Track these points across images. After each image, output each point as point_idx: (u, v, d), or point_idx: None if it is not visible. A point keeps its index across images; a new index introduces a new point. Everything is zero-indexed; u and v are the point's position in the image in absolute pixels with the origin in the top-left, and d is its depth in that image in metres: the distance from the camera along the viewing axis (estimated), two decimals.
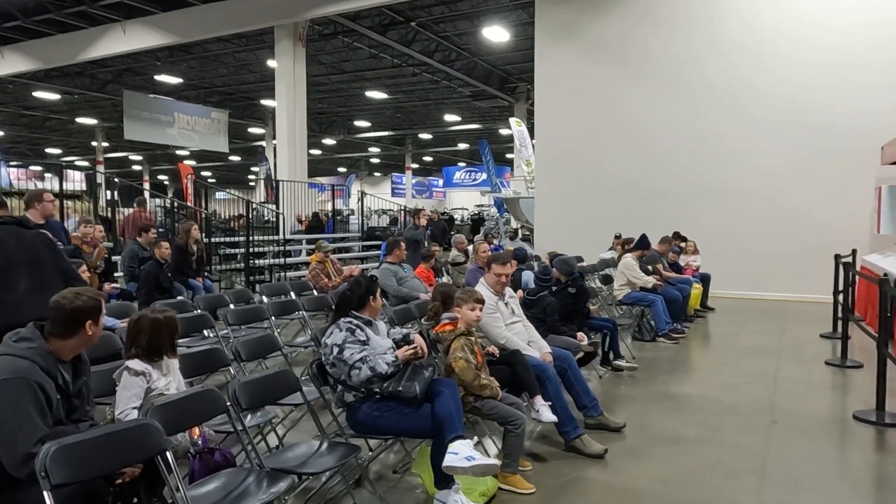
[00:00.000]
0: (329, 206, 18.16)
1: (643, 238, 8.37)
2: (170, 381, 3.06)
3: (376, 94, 24.22)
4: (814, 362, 6.57)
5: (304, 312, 6.20)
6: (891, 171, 9.84)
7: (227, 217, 17.63)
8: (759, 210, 11.31)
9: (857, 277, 8.31)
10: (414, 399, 3.30)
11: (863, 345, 6.80)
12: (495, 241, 13.86)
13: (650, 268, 8.67)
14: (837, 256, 7.97)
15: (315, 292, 7.24)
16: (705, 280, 9.75)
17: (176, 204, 12.73)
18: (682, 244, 10.08)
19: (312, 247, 9.14)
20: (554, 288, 5.84)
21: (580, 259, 9.51)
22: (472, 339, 3.89)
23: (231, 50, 19.36)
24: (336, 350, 3.35)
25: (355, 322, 3.46)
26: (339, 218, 18.34)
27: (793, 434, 4.55)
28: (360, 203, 17.09)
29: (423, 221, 10.67)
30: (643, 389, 5.69)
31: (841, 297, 7.41)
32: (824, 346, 7.36)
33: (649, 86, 12.35)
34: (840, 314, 7.11)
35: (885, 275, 7.51)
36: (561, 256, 6.87)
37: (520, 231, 18.83)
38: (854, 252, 8.80)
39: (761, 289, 11.04)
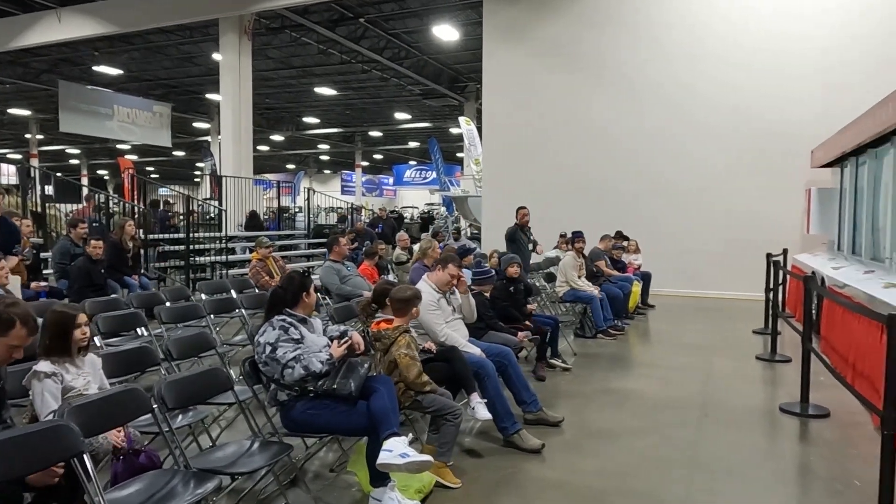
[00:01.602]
0: (276, 204, 17.84)
1: (577, 233, 8.51)
2: (88, 380, 2.94)
3: (325, 91, 23.95)
4: (746, 357, 6.80)
5: (244, 310, 6.06)
6: (820, 174, 10.28)
7: (170, 213, 17.11)
8: (698, 210, 11.66)
9: (787, 276, 8.64)
10: (349, 397, 3.27)
11: (793, 340, 7.06)
12: (444, 241, 13.87)
13: (594, 267, 8.84)
14: (769, 255, 8.27)
15: (256, 290, 7.10)
16: (646, 278, 9.99)
17: (115, 199, 12.28)
18: (625, 243, 10.30)
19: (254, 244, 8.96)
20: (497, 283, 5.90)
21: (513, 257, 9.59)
22: (415, 335, 3.90)
23: (174, 42, 18.81)
24: (269, 349, 3.28)
25: (289, 320, 3.40)
26: (285, 215, 18.06)
27: (723, 426, 4.70)
28: (307, 201, 16.85)
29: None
30: (583, 385, 5.79)
31: (772, 295, 7.69)
32: (756, 341, 7.63)
33: (595, 86, 12.58)
34: (771, 311, 7.38)
35: (813, 273, 7.85)
36: (505, 255, 6.95)
37: (468, 230, 18.92)
38: (785, 251, 9.15)
39: (699, 287, 11.38)
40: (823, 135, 9.02)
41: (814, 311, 7.40)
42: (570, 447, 4.24)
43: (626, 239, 10.46)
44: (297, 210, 22.48)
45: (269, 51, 19.60)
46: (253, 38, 15.97)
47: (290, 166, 47.28)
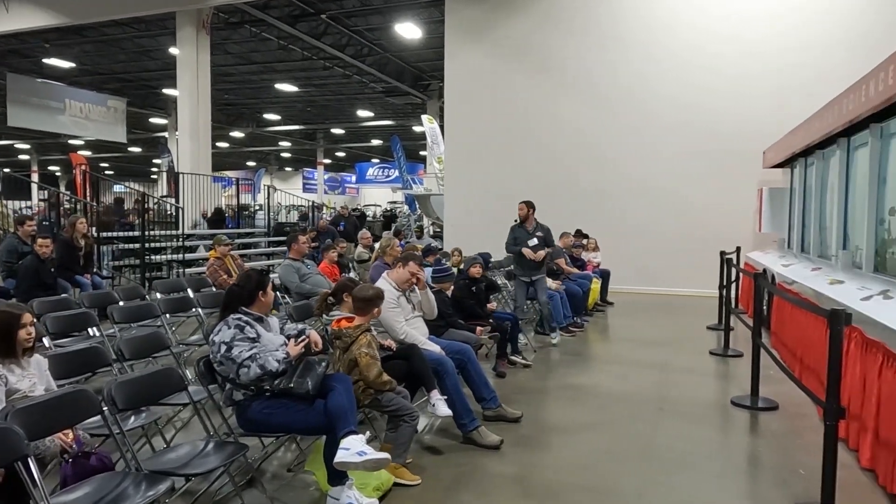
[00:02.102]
0: (235, 201, 17.56)
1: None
2: (34, 382, 2.86)
3: (286, 87, 23.66)
4: (699, 353, 6.98)
5: (200, 310, 5.96)
6: (771, 174, 10.59)
7: (125, 210, 16.69)
8: (656, 209, 11.89)
9: (740, 273, 8.88)
10: (306, 395, 3.24)
11: (745, 335, 7.25)
12: (405, 239, 13.87)
13: (554, 265, 8.94)
14: (723, 253, 8.48)
15: (213, 289, 6.99)
16: (605, 276, 10.15)
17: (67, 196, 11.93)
18: (584, 241, 10.45)
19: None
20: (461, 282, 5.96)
21: (487, 255, 9.65)
22: (375, 334, 3.89)
23: (130, 35, 18.34)
24: (224, 348, 3.23)
25: (245, 318, 3.36)
26: (245, 213, 17.78)
27: (677, 420, 4.81)
28: (267, 198, 16.61)
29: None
30: (542, 381, 5.86)
31: (725, 292, 7.89)
32: (710, 337, 7.82)
33: (556, 86, 12.73)
34: (724, 308, 7.57)
35: (764, 270, 8.09)
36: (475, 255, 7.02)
37: (431, 228, 18.93)
38: (738, 249, 9.40)
39: (657, 284, 11.61)
40: (776, 136, 9.29)
41: (764, 308, 7.63)
42: (529, 442, 4.29)
43: (586, 237, 10.61)
44: (257, 208, 22.16)
45: (229, 45, 19.28)
46: (211, 33, 15.69)
47: (251, 163, 46.58)
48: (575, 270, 9.27)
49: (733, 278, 8.29)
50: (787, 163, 9.17)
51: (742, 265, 9.57)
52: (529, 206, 7.43)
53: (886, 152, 5.29)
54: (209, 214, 15.53)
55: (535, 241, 7.22)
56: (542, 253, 7.21)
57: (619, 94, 12.21)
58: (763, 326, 6.78)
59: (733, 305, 8.61)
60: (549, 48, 12.72)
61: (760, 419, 4.83)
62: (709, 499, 3.49)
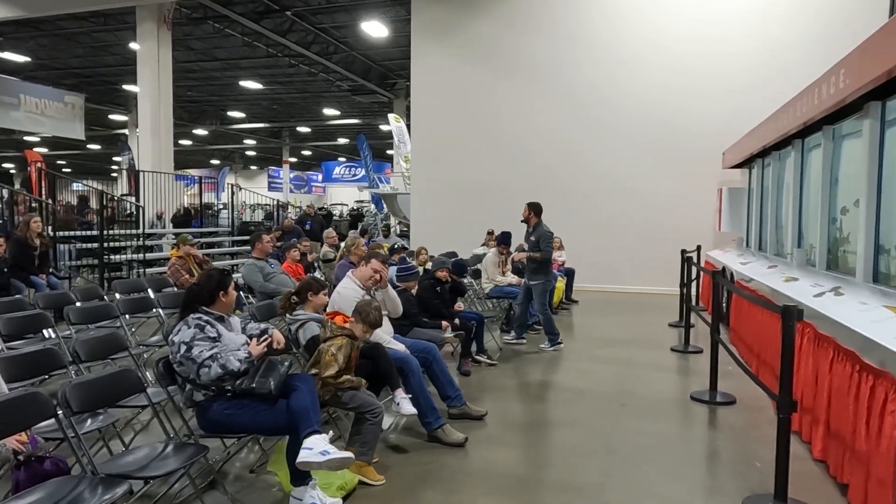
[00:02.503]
0: (198, 200, 17.26)
1: (504, 234, 8.62)
2: None
3: (251, 84, 23.35)
4: (661, 349, 7.11)
5: (161, 310, 5.86)
6: (730, 175, 10.84)
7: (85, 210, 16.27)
8: (619, 209, 12.07)
9: (700, 271, 9.07)
10: (268, 395, 3.21)
11: (705, 332, 7.39)
12: (372, 238, 13.81)
13: (520, 264, 8.99)
14: (683, 252, 8.65)
15: (175, 289, 6.87)
16: (570, 274, 10.27)
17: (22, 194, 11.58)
18: None
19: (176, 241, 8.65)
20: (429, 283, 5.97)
21: (454, 255, 9.68)
22: (356, 344, 3.82)
23: (88, 29, 17.88)
24: (184, 348, 3.18)
25: (205, 318, 3.31)
26: (209, 212, 17.50)
27: (639, 415, 4.90)
28: (232, 197, 16.38)
29: None
30: (507, 379, 5.90)
31: (686, 290, 8.05)
32: (671, 334, 7.97)
33: (521, 85, 12.82)
34: (685, 305, 7.73)
35: (723, 268, 8.28)
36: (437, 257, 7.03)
37: (398, 227, 18.89)
38: (698, 248, 9.60)
39: (620, 282, 11.79)
40: (735, 137, 9.51)
41: (723, 305, 7.81)
42: (493, 440, 4.32)
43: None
44: (221, 207, 21.83)
45: (191, 41, 18.95)
46: (173, 28, 15.39)
47: (215, 162, 45.85)
48: None
49: (694, 276, 8.47)
50: (746, 163, 9.40)
51: (702, 263, 9.77)
52: (530, 208, 7.32)
53: (838, 154, 5.46)
54: (169, 214, 15.20)
55: (525, 246, 7.37)
56: (518, 255, 7.48)
57: (585, 93, 12.36)
58: (722, 323, 6.94)
59: (694, 303, 8.78)
60: (514, 47, 12.81)
61: (718, 413, 4.95)
62: (668, 491, 3.56)
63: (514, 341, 7.35)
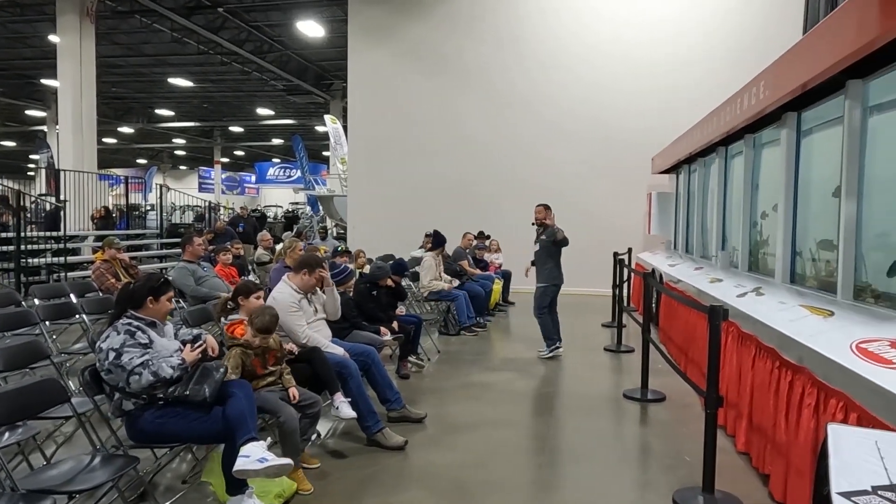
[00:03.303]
0: (124, 201, 16.59)
1: (437, 235, 8.64)
2: None
3: (181, 82, 22.56)
4: (595, 349, 7.30)
5: (85, 316, 5.59)
6: (659, 180, 11.25)
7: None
8: (555, 211, 12.28)
9: (631, 273, 9.37)
10: (203, 403, 3.12)
11: (636, 332, 7.65)
12: (308, 240, 13.59)
13: (457, 266, 9.07)
14: (615, 254, 8.91)
15: (100, 293, 6.57)
16: (507, 276, 10.41)
17: None
18: (486, 242, 10.66)
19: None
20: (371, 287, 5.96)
21: (391, 257, 9.65)
22: (250, 352, 3.68)
23: (3, 19, 16.88)
24: (112, 355, 3.05)
25: (136, 324, 3.18)
26: (135, 213, 16.85)
27: (573, 413, 5.02)
28: (160, 198, 15.80)
29: None
30: (445, 381, 5.93)
31: (618, 291, 8.30)
32: (605, 334, 8.20)
33: (458, 89, 12.92)
34: (617, 306, 7.97)
35: (653, 270, 8.58)
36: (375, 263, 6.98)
37: (334, 230, 18.67)
38: (630, 250, 9.91)
39: None
40: (664, 143, 9.86)
41: (653, 305, 8.09)
42: (432, 442, 4.34)
43: (488, 238, 10.83)
44: (148, 208, 21.01)
45: (117, 35, 18.18)
46: (96, 21, 14.72)
47: (142, 161, 44.14)
48: (477, 271, 9.45)
49: (625, 278, 8.73)
50: (673, 169, 9.78)
51: (633, 265, 10.09)
52: (546, 208, 6.94)
53: (759, 161, 5.76)
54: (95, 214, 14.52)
55: (536, 247, 6.92)
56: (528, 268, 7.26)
57: (519, 99, 12.57)
58: (652, 323, 7.20)
59: (626, 304, 9.06)
60: (451, 52, 12.91)
61: (650, 410, 5.12)
62: (602, 487, 3.66)
63: (549, 354, 6.85)
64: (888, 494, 1.61)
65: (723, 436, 4.33)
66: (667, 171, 10.27)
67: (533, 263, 6.98)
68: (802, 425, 3.08)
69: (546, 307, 6.85)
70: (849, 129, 3.73)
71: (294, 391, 3.67)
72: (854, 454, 1.83)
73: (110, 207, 15.89)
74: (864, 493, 1.63)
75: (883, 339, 2.80)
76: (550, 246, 6.70)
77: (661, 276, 8.09)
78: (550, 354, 6.83)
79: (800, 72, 3.97)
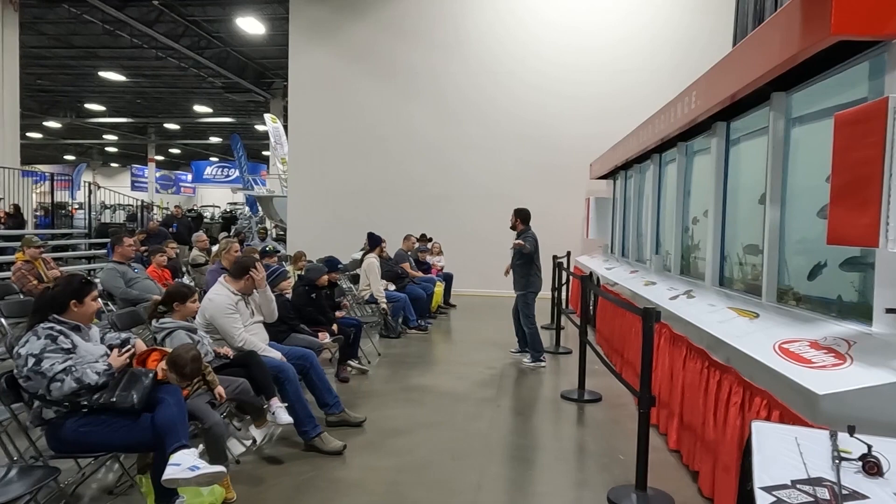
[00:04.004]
0: (49, 199, 15.81)
1: (371, 236, 8.60)
2: None
3: (112, 76, 21.68)
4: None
5: (4, 319, 5.30)
6: (597, 185, 11.52)
7: None
8: (496, 215, 12.38)
9: (570, 276, 9.55)
10: (131, 409, 3.00)
11: (574, 334, 7.80)
12: (247, 241, 13.30)
13: (399, 269, 9.03)
14: (555, 258, 9.06)
15: (21, 296, 6.24)
16: (448, 279, 10.44)
17: None
18: (428, 244, 10.67)
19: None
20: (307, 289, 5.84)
21: (336, 260, 9.53)
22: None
23: None
24: (32, 361, 2.89)
25: (58, 328, 3.03)
26: (62, 212, 16.09)
27: (512, 414, 5.07)
28: (89, 196, 15.15)
29: None
30: (385, 384, 5.90)
31: (557, 294, 8.43)
32: (544, 336, 8.27)
33: (401, 90, 12.90)
34: (556, 308, 8.10)
35: (591, 273, 8.76)
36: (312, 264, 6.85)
37: (274, 231, 18.33)
38: (568, 254, 10.11)
39: (497, 287, 12.08)
40: (602, 149, 10.11)
41: (591, 308, 8.27)
42: (371, 446, 4.30)
43: (430, 240, 10.84)
44: (76, 206, 20.12)
45: (43, 25, 17.33)
46: (21, 9, 14.01)
47: (70, 157, 42.22)
48: (419, 274, 9.45)
49: (564, 281, 8.89)
50: (611, 175, 10.03)
51: (572, 269, 10.30)
52: (517, 214, 6.77)
53: (690, 168, 5.97)
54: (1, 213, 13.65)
55: (510, 254, 6.79)
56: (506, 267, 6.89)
57: (460, 103, 12.64)
58: (589, 325, 7.35)
59: (564, 306, 9.23)
60: (392, 53, 12.88)
61: (586, 410, 5.23)
62: (540, 487, 3.71)
63: (533, 365, 6.60)
64: (806, 488, 1.68)
65: (655, 434, 4.46)
66: (605, 177, 10.53)
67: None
68: (729, 423, 3.20)
69: (533, 316, 6.68)
70: (773, 139, 3.91)
71: (220, 390, 3.57)
72: (775, 450, 1.91)
73: (35, 206, 15.10)
74: (784, 486, 1.70)
75: (803, 340, 2.94)
76: (519, 252, 6.59)
77: (598, 279, 8.28)
78: (533, 366, 6.58)
79: (729, 83, 4.14)
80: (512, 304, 6.94)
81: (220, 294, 4.36)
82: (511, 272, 6.80)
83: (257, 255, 7.00)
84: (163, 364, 3.27)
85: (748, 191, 4.53)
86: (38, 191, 18.80)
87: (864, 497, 1.64)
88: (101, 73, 21.51)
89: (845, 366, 2.49)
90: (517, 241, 6.56)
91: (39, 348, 2.93)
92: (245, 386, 3.81)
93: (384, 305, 7.91)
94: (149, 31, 16.63)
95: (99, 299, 3.23)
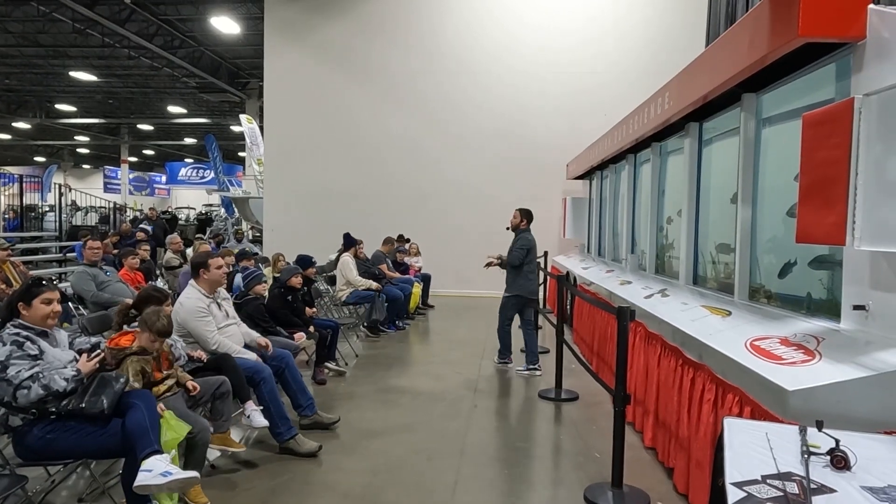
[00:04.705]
0: (18, 201, 15.49)
1: (347, 237, 8.56)
2: None
3: (82, 75, 21.26)
4: (512, 351, 7.39)
5: None
6: (574, 185, 11.60)
7: None
8: (471, 216, 12.45)
9: (547, 276, 9.60)
10: (100, 415, 2.94)
11: (552, 333, 7.84)
12: (224, 243, 13.14)
13: (377, 270, 8.99)
14: None
15: None
16: (426, 279, 10.43)
17: None
18: (406, 245, 10.65)
19: None
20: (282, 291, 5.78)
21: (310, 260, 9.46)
22: (148, 357, 3.47)
23: None
24: None
25: (24, 333, 2.96)
26: (31, 215, 15.78)
27: (489, 414, 5.08)
28: (59, 198, 14.86)
29: None
30: (361, 385, 5.86)
31: None
32: (521, 336, 8.33)
33: (374, 94, 12.87)
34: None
35: (567, 273, 8.81)
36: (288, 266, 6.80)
37: (250, 233, 18.16)
38: (546, 254, 10.15)
39: (474, 287, 12.14)
40: (578, 150, 10.17)
41: (567, 307, 8.31)
42: (347, 447, 4.27)
43: (407, 241, 10.82)
44: (46, 209, 19.72)
45: (9, 24, 16.96)
46: None
47: (40, 159, 41.38)
48: (397, 275, 9.42)
49: (541, 281, 8.93)
50: (587, 175, 10.10)
51: (549, 268, 10.35)
52: (522, 214, 6.51)
53: (664, 168, 6.03)
54: None
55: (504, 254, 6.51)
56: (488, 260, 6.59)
57: (437, 103, 12.64)
58: (566, 324, 7.39)
59: (542, 306, 9.27)
60: (368, 53, 12.84)
61: (563, 409, 5.25)
62: (517, 486, 3.71)
63: (527, 373, 6.33)
64: (776, 482, 1.71)
65: (631, 432, 4.49)
66: (581, 177, 10.60)
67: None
68: (703, 420, 3.24)
69: (532, 319, 6.51)
70: (744, 139, 3.97)
71: (192, 384, 3.53)
72: (746, 445, 1.93)
73: (2, 209, 14.79)
74: (754, 482, 1.72)
75: (774, 337, 2.99)
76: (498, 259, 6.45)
77: (574, 278, 8.33)
78: (528, 373, 6.32)
79: (700, 84, 4.19)
80: (488, 303, 6.93)
81: (191, 297, 4.30)
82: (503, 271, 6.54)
83: (233, 258, 6.96)
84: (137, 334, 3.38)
85: (720, 190, 4.59)
86: (6, 193, 18.40)
87: (832, 491, 1.66)
88: (72, 73, 21.10)
89: (814, 362, 2.53)
90: (493, 258, 6.50)
91: (5, 355, 2.86)
92: (227, 384, 3.76)
93: (368, 285, 7.93)
94: (120, 30, 16.34)
95: (55, 302, 3.12)
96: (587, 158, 9.16)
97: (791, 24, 2.82)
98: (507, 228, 6.62)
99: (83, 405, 2.93)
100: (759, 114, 3.94)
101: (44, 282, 3.18)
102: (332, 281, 8.69)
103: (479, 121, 12.50)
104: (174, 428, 3.10)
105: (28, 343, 2.95)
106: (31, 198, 17.43)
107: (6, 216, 16.68)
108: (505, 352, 6.69)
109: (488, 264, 6.66)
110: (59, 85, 24.41)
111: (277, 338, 5.11)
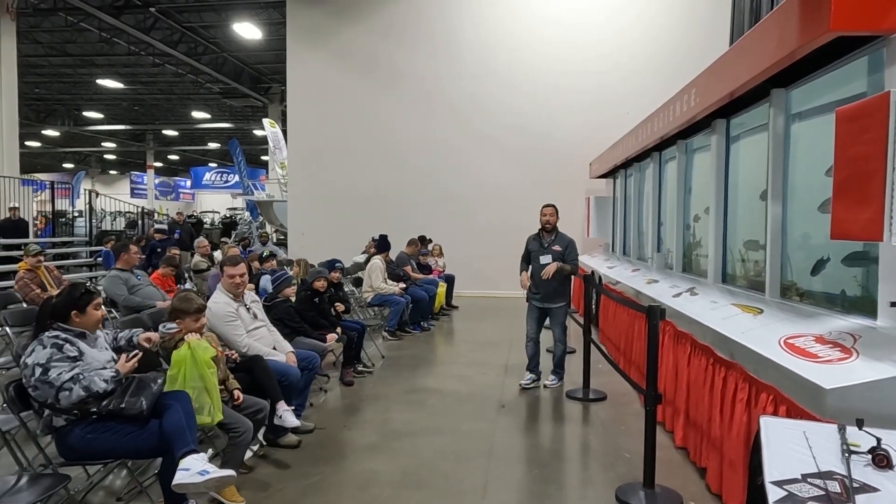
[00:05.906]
0: (49, 207, 15.81)
1: (383, 239, 8.64)
2: None
3: (109, 83, 21.66)
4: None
5: (9, 328, 5.30)
6: (597, 184, 11.53)
7: None
8: (495, 216, 12.45)
9: None
10: (139, 415, 3.00)
11: (578, 333, 7.80)
12: (250, 247, 13.29)
13: (401, 271, 9.04)
14: None
15: (24, 304, 6.24)
16: (450, 280, 10.45)
17: None
18: (429, 246, 10.68)
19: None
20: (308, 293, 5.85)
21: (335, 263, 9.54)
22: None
23: None
24: (39, 370, 2.89)
25: (63, 336, 3.03)
26: (62, 220, 16.09)
27: (517, 416, 5.07)
28: (88, 204, 15.15)
29: None
30: (389, 386, 5.89)
31: None
32: (547, 336, 8.28)
33: (396, 96, 12.92)
34: None
35: (592, 272, 8.76)
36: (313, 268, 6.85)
37: (274, 235, 18.34)
38: None
39: (498, 288, 12.14)
40: (601, 149, 10.11)
41: (593, 307, 8.27)
42: (376, 448, 4.30)
43: (430, 242, 10.85)
44: (76, 214, 20.10)
45: (38, 34, 17.35)
46: (17, 18, 14.01)
47: (69, 165, 42.19)
48: (421, 276, 9.45)
49: None
50: (610, 174, 10.04)
51: None
52: (556, 211, 5.89)
53: (690, 165, 5.98)
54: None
55: (547, 258, 5.66)
56: (551, 268, 5.57)
57: (462, 103, 12.65)
58: (592, 324, 7.34)
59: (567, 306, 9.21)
60: (391, 56, 12.89)
61: (591, 409, 5.23)
62: (547, 487, 3.71)
63: (553, 384, 5.83)
64: (817, 481, 1.69)
65: (661, 432, 4.45)
66: (604, 176, 10.54)
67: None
68: (736, 419, 3.21)
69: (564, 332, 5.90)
70: (773, 135, 3.92)
71: (238, 394, 3.60)
72: (784, 444, 1.92)
73: (34, 215, 15.09)
74: (794, 480, 1.71)
75: (808, 335, 2.95)
76: (562, 258, 5.69)
77: (600, 278, 8.29)
78: (552, 384, 5.82)
79: (727, 81, 4.15)
80: (513, 304, 6.83)
81: (219, 302, 4.35)
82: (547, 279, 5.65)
83: (257, 261, 7.05)
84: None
85: (749, 187, 4.54)
86: (37, 199, 18.78)
87: (875, 490, 1.64)
88: (99, 81, 21.52)
89: (851, 360, 2.50)
90: (550, 267, 5.58)
91: (46, 357, 2.93)
92: (264, 413, 3.80)
93: (394, 289, 8.03)
94: (145, 37, 16.65)
95: (102, 307, 3.23)
96: (611, 157, 9.11)
97: (822, 17, 2.79)
98: (542, 229, 5.87)
99: (123, 405, 3.00)
100: (788, 109, 3.90)
101: (86, 287, 3.26)
102: (358, 282, 8.74)
103: (503, 121, 12.49)
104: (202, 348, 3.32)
105: (67, 345, 3.02)
106: (61, 204, 17.80)
107: (36, 222, 17.04)
108: (564, 369, 5.94)
109: (553, 274, 5.63)
110: (86, 93, 24.92)
111: (307, 340, 5.16)
